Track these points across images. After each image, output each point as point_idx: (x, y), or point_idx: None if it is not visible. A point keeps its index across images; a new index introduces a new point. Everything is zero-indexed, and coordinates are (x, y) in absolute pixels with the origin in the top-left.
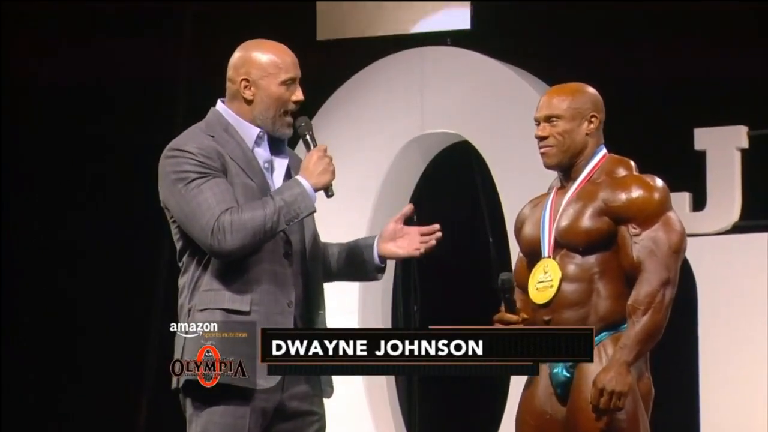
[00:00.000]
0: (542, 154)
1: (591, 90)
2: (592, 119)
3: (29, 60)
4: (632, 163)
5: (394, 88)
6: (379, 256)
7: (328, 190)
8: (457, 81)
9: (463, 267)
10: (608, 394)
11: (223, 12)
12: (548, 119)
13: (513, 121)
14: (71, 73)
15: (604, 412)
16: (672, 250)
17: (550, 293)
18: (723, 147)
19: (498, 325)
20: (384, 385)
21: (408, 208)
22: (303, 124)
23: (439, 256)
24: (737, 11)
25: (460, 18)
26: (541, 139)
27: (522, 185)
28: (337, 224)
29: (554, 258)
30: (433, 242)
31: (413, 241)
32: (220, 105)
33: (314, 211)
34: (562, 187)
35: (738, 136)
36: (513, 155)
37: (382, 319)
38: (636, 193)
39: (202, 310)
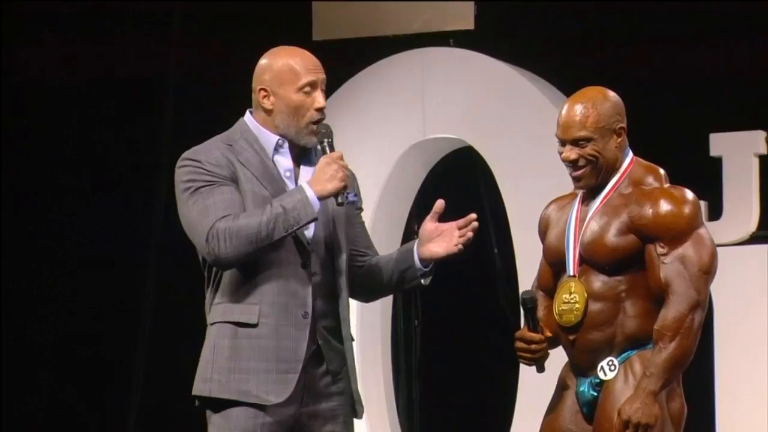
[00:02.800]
0: (576, 177)
1: (612, 96)
2: (620, 131)
3: (17, 59)
4: (662, 171)
5: (394, 91)
6: (421, 260)
7: (337, 198)
8: (460, 83)
9: (466, 279)
10: (633, 426)
11: (215, 12)
12: (576, 142)
13: (519, 126)
14: (58, 73)
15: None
16: (702, 271)
17: (575, 316)
18: (740, 153)
19: (519, 344)
20: (383, 400)
21: (439, 203)
22: (323, 131)
23: (441, 267)
24: (754, 12)
25: (463, 18)
26: (570, 162)
27: (528, 193)
28: None
29: (579, 277)
30: (470, 234)
31: (452, 238)
32: (247, 115)
33: (315, 219)
34: (586, 197)
35: (756, 141)
36: (518, 162)
37: (381, 333)
38: (664, 209)
39: (212, 324)
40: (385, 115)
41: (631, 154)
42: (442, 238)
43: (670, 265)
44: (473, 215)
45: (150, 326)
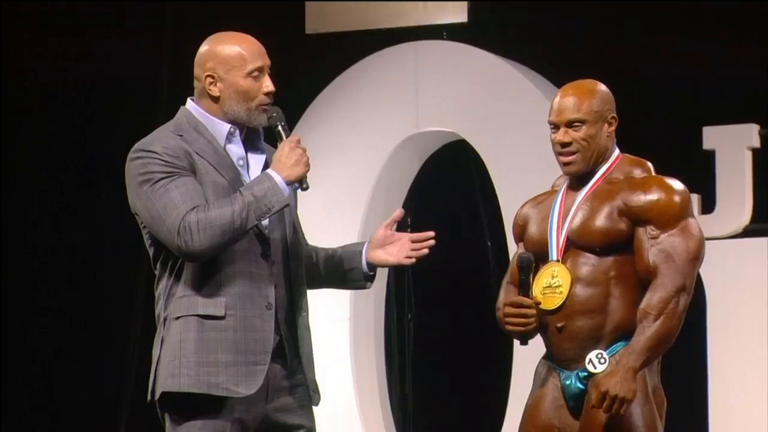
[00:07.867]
0: (566, 162)
1: (605, 88)
2: (611, 120)
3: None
4: (649, 164)
5: (388, 84)
6: (368, 264)
7: (302, 183)
8: (453, 77)
9: (459, 273)
10: (611, 398)
11: (207, 8)
12: (570, 124)
13: (512, 119)
14: (51, 73)
15: (608, 420)
16: (690, 257)
17: (558, 299)
18: (733, 146)
19: (509, 309)
20: (376, 394)
21: (398, 213)
22: (274, 114)
23: (435, 261)
24: (747, 6)
25: (456, 10)
26: (563, 145)
27: (521, 186)
28: (327, 228)
29: (564, 261)
30: (426, 251)
31: (404, 248)
32: (189, 103)
33: (287, 205)
34: (572, 187)
35: (749, 134)
36: (512, 155)
37: (374, 328)
38: (657, 195)
39: (177, 318)
40: (379, 108)
41: (618, 150)
42: (394, 247)
43: (659, 248)
44: (431, 233)
45: (142, 323)
